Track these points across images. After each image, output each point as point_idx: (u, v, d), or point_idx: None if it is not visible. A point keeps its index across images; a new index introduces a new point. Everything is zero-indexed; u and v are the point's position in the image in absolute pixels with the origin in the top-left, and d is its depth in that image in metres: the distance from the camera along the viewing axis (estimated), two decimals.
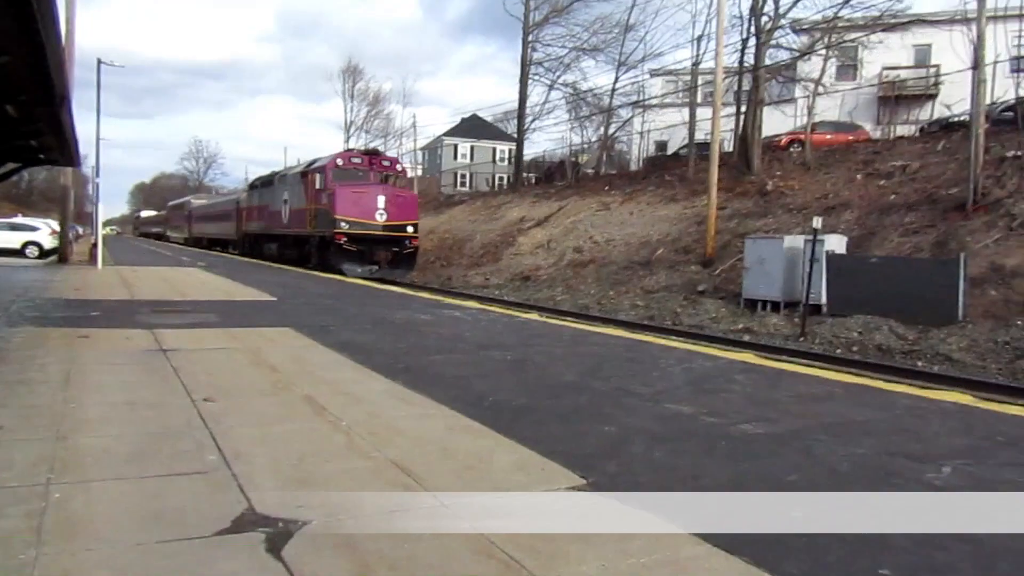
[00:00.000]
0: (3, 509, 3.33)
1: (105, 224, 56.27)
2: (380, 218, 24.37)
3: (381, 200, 24.47)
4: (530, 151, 50.46)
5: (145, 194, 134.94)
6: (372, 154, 27.34)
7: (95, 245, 24.09)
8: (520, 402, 5.84)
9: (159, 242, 69.25)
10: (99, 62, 27.40)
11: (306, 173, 27.49)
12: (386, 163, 27.26)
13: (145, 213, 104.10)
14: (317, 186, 25.77)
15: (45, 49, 7.99)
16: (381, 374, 6.76)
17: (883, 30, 27.80)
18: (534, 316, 12.65)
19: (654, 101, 42.78)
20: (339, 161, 26.08)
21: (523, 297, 23.55)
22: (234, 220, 41.65)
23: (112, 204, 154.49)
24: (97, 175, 26.55)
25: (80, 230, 56.35)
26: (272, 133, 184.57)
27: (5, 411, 4.99)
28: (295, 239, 28.38)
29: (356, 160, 26.30)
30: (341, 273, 23.13)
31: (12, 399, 5.36)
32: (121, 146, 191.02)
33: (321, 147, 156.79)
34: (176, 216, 68.54)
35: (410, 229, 25.20)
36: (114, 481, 3.76)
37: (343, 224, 23.95)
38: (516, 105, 44.30)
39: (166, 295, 13.99)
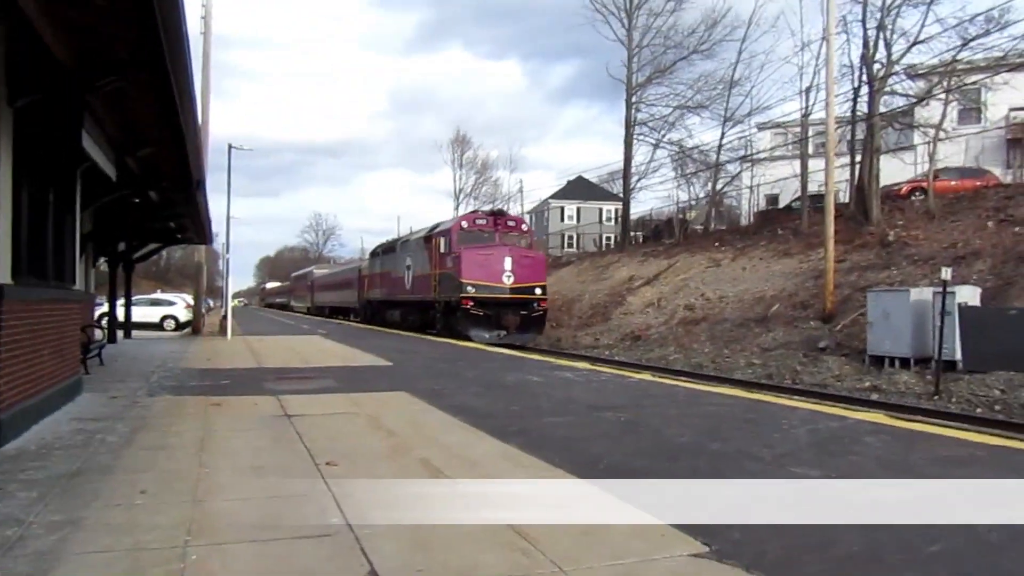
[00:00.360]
0: (147, 570, 3.52)
1: (233, 297, 58.98)
2: (507, 280, 23.51)
3: (508, 262, 23.66)
4: (636, 210, 50.42)
5: (269, 267, 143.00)
6: (497, 215, 26.40)
7: (225, 317, 25.58)
8: (636, 465, 5.73)
9: (283, 312, 71.98)
10: (230, 147, 29.54)
11: (430, 237, 26.96)
12: (511, 223, 26.18)
13: (270, 284, 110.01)
14: (442, 250, 25.24)
15: (185, 140, 8.73)
16: (495, 437, 6.80)
17: (1009, 70, 26.44)
18: (646, 376, 12.45)
19: (763, 155, 42.05)
20: (464, 224, 25.34)
21: (634, 357, 23.21)
22: (355, 288, 41.31)
23: (239, 277, 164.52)
24: (227, 251, 28.33)
25: (211, 303, 60.00)
26: (386, 204, 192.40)
27: (148, 476, 5.32)
28: (418, 305, 27.89)
29: (481, 222, 25.48)
30: (468, 339, 22.55)
31: (153, 464, 5.71)
32: (248, 223, 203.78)
33: (432, 215, 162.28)
34: (299, 286, 70.10)
35: (538, 291, 24.24)
36: (246, 544, 3.92)
37: (469, 288, 23.11)
38: (621, 165, 44.56)
39: (290, 363, 14.65)
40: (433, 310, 26.10)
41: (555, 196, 73.46)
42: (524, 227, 27.00)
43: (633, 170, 43.93)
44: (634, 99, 42.44)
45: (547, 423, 7.68)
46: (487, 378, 11.95)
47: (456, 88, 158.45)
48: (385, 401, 9.22)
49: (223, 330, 24.63)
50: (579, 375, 12.36)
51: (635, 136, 43.03)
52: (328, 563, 3.65)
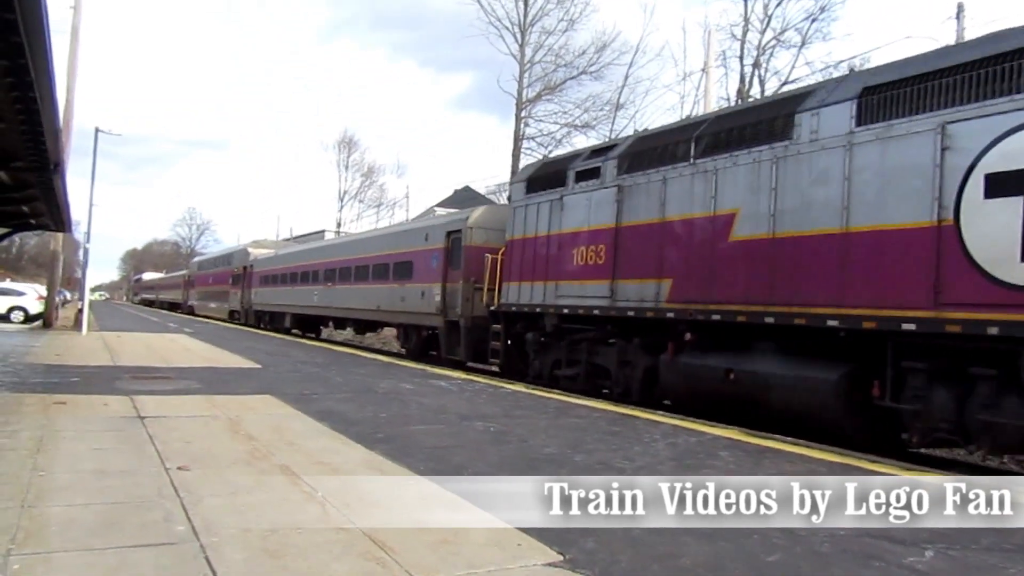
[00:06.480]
0: None
1: (93, 290, 53.88)
2: None
3: None
4: None
5: (136, 260, 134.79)
6: None
7: (81, 311, 23.96)
8: (500, 475, 5.76)
9: (173, 313, 51.95)
10: (96, 131, 27.73)
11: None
12: None
13: (149, 276, 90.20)
14: None
15: (41, 118, 8.13)
16: (360, 443, 6.68)
17: None
18: (520, 387, 12.55)
19: None
20: None
21: None
22: (426, 278, 18.74)
23: (102, 270, 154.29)
24: (87, 241, 26.53)
25: (68, 295, 55.65)
26: (265, 202, 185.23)
27: None
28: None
29: None
30: None
31: None
32: (116, 213, 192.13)
33: (314, 217, 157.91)
34: (209, 277, 46.60)
35: None
36: (77, 552, 3.66)
37: None
38: (508, 177, 45.05)
39: (148, 361, 13.86)
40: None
41: (441, 204, 73.24)
42: None
43: None
44: (524, 113, 43.02)
45: (416, 431, 7.60)
46: (356, 384, 11.73)
47: (347, 89, 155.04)
48: (249, 405, 8.87)
49: (78, 324, 23.04)
50: (453, 384, 12.32)
51: (523, 150, 43.59)
52: (167, 572, 3.45)
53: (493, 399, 10.67)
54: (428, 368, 15.57)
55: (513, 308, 14.62)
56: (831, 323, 8.50)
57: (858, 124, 8.60)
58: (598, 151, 13.44)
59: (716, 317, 9.98)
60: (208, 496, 4.72)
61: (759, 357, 9.54)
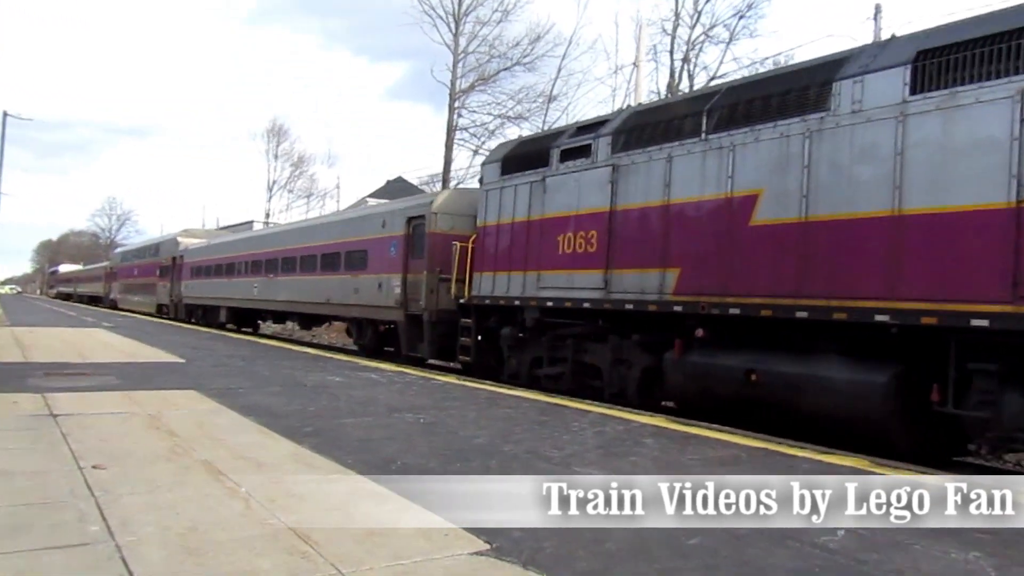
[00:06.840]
0: None
1: (3, 283, 51.24)
2: None
3: None
4: None
5: (51, 252, 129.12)
6: None
7: None
8: (430, 466, 5.75)
9: (96, 308, 46.89)
10: (4, 115, 26.47)
11: None
12: None
13: (65, 268, 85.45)
14: None
15: None
16: (287, 438, 6.57)
17: None
18: (451, 379, 12.52)
19: None
20: None
21: None
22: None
23: (14, 262, 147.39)
24: None
25: None
26: (189, 192, 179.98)
27: None
28: None
29: None
30: None
31: None
32: (29, 202, 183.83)
33: (244, 208, 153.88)
34: (134, 269, 42.93)
35: None
36: None
37: None
38: (441, 169, 44.80)
39: (63, 357, 13.31)
40: None
41: (373, 195, 72.36)
42: None
43: (453, 175, 44.29)
44: (457, 104, 42.81)
45: (344, 424, 7.52)
46: (284, 377, 11.53)
47: (276, 76, 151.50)
48: (171, 400, 8.62)
49: None
50: (384, 376, 12.23)
51: (456, 141, 43.40)
52: (79, 575, 3.33)
53: (424, 391, 10.63)
54: (358, 360, 15.40)
55: (487, 301, 13.28)
56: (880, 318, 7.45)
57: (913, 92, 7.52)
58: (586, 127, 12.19)
59: (734, 311, 8.90)
60: (125, 495, 4.58)
61: (788, 356, 8.52)
